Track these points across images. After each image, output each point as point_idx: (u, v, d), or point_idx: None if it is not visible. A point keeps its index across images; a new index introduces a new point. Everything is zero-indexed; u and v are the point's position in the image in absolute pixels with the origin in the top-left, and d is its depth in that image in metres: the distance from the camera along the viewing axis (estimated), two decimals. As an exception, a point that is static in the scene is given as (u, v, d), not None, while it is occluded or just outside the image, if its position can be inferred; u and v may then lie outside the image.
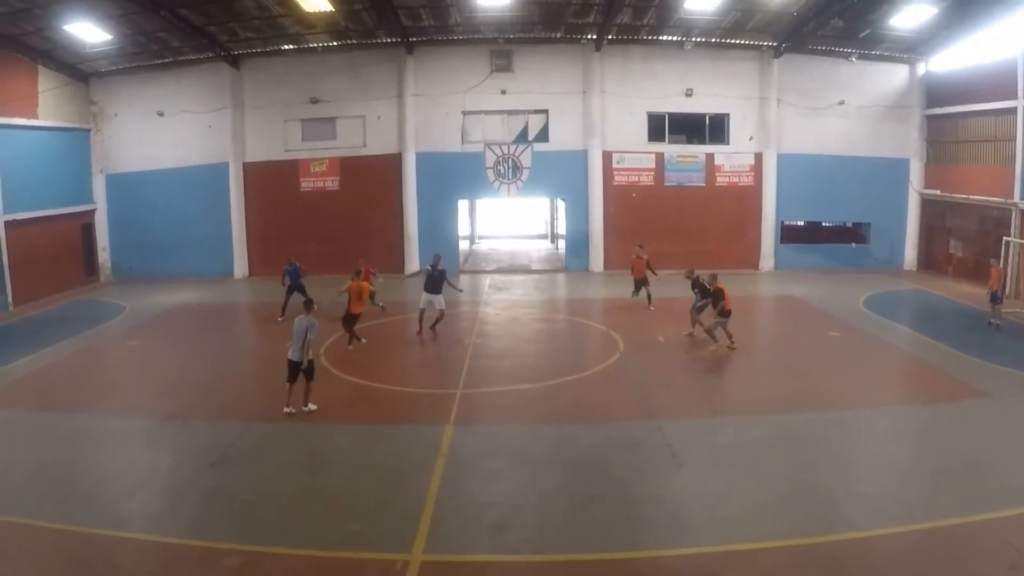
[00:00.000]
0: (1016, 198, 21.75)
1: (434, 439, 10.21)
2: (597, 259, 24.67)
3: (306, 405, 11.39)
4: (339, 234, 24.38)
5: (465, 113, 24.53)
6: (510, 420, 11.24)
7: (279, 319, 17.48)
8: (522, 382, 12.99)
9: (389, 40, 23.56)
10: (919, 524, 8.22)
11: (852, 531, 7.98)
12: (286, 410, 11.24)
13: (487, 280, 23.68)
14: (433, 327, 16.08)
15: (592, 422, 11.12)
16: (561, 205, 26.76)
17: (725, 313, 14.68)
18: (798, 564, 7.46)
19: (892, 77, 25.99)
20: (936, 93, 25.79)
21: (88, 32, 20.49)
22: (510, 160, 24.48)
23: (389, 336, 16.61)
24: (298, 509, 8.35)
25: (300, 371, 11.17)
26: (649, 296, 18.84)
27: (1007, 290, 20.88)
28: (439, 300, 15.80)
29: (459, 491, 8.68)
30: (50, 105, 22.70)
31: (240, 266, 25.24)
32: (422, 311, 15.96)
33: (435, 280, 15.72)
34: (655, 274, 18.84)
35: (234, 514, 8.27)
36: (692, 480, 9.25)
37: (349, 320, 15.17)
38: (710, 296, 15.11)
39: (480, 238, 30.37)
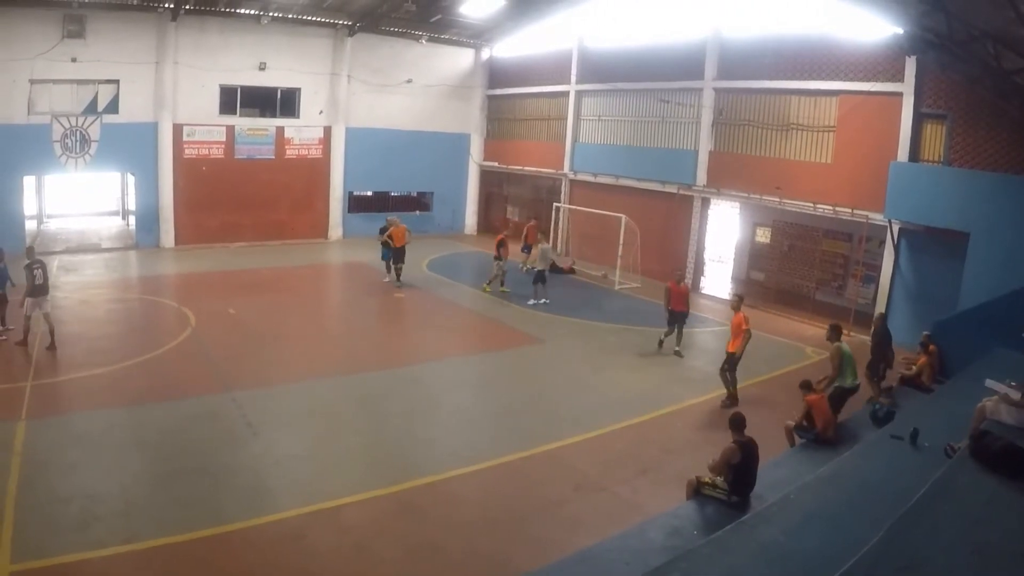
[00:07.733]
0: (565, 169, 25.79)
1: (6, 438, 9.45)
2: (168, 234, 23.73)
3: None
4: None
5: (33, 82, 22.05)
6: (86, 407, 10.75)
7: None
8: (96, 367, 12.42)
9: (-47, -1, 20.14)
10: (490, 461, 9.38)
11: (429, 476, 8.91)
12: None
13: (56, 261, 22.18)
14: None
15: (168, 400, 11.08)
16: (131, 180, 25.64)
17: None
18: (380, 513, 8.09)
19: (458, 59, 29.05)
20: (498, 76, 29.39)
21: None
22: (78, 133, 22.75)
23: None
24: None
25: None
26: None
27: (559, 249, 24.78)
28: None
29: (39, 490, 8.19)
30: None
31: None
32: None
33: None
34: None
35: None
36: (269, 447, 9.62)
37: None
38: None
39: (49, 217, 28.02)
